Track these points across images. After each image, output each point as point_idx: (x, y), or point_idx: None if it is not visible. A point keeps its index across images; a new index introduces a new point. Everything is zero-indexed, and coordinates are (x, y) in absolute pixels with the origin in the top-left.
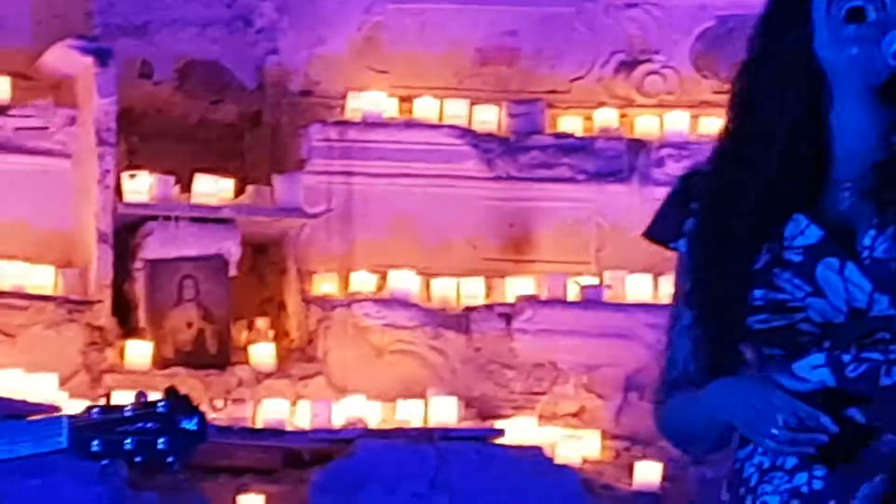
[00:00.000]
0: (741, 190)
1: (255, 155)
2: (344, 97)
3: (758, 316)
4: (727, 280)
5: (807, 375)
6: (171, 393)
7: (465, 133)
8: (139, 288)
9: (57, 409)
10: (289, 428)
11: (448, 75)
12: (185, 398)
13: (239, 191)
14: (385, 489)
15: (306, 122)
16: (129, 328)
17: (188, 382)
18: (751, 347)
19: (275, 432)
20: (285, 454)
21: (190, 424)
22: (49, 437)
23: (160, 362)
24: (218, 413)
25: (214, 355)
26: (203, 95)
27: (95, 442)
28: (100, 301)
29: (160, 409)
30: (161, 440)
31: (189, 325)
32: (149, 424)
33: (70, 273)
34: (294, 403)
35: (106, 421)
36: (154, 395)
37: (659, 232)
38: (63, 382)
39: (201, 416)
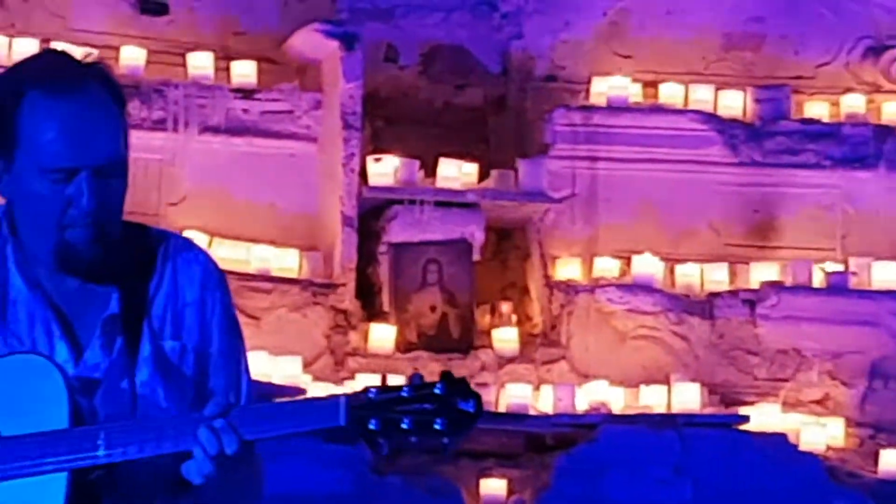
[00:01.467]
0: None
1: (500, 139)
2: (588, 82)
3: None
4: None
5: None
6: (447, 376)
7: (711, 118)
8: (383, 271)
9: (302, 391)
10: (532, 412)
11: (693, 60)
12: (462, 381)
13: (483, 175)
14: (628, 474)
15: (551, 106)
16: (372, 311)
17: (430, 366)
18: None
19: (517, 416)
20: (528, 438)
21: (466, 406)
22: (326, 416)
23: (403, 346)
24: None
25: (457, 339)
26: (448, 80)
27: (373, 421)
28: (344, 284)
29: (437, 391)
30: (437, 421)
31: (433, 308)
32: (426, 405)
33: (314, 256)
34: (537, 388)
35: (383, 401)
36: (401, 378)
37: None
38: (307, 365)
39: (477, 398)
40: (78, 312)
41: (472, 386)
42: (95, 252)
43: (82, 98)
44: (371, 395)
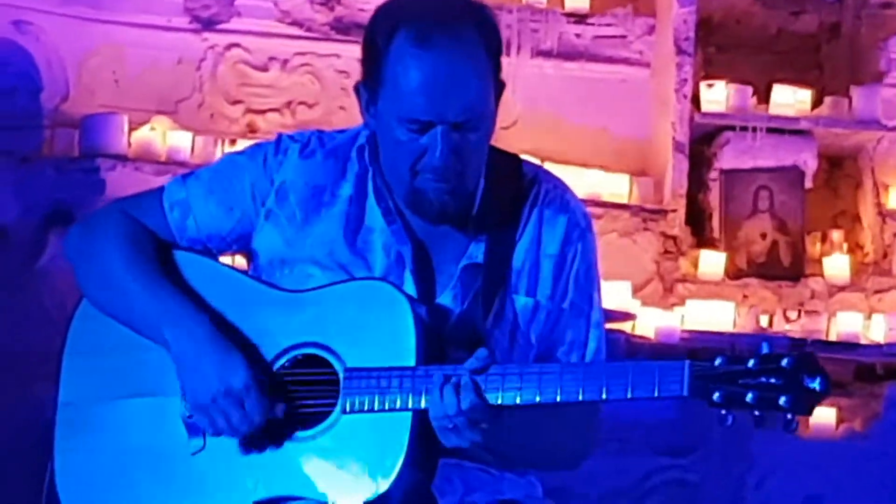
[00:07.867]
0: None
1: (833, 66)
2: None
3: None
4: None
5: None
6: (796, 349)
7: None
8: (713, 198)
9: (632, 316)
10: (863, 341)
11: None
12: (810, 356)
13: (816, 102)
14: None
15: (886, 34)
16: (702, 238)
17: (760, 293)
18: None
19: (848, 345)
20: (858, 367)
21: (813, 384)
22: (669, 383)
23: (733, 273)
24: (791, 325)
25: (787, 267)
26: (782, 6)
27: (717, 393)
28: (674, 210)
29: (784, 365)
30: (783, 398)
31: (763, 236)
32: (772, 380)
33: (645, 182)
34: (868, 317)
35: (729, 372)
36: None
37: None
38: (636, 290)
39: (825, 376)
40: (436, 248)
41: (819, 362)
42: (445, 202)
43: (453, 47)
44: (717, 365)
